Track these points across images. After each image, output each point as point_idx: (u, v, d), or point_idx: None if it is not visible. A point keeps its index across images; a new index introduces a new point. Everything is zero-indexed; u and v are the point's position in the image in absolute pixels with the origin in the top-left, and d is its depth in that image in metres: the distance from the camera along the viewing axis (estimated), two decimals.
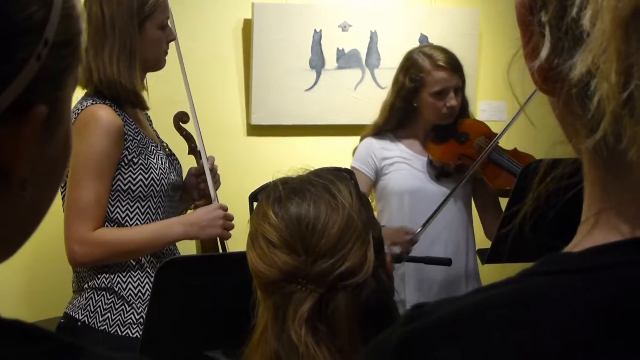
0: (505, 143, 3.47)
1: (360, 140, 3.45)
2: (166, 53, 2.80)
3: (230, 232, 2.78)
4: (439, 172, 3.37)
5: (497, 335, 0.70)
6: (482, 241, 3.52)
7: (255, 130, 4.23)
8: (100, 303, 2.69)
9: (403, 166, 3.37)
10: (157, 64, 2.80)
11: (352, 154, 3.45)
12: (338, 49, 4.27)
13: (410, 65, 3.33)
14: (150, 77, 2.87)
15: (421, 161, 3.39)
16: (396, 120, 3.38)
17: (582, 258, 0.70)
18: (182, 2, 3.82)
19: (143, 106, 2.77)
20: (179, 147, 3.04)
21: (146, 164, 2.71)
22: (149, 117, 2.99)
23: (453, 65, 3.31)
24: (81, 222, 2.61)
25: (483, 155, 3.30)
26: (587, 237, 0.73)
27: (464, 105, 3.38)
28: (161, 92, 3.00)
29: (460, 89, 3.33)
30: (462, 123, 3.42)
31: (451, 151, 3.37)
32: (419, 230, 3.18)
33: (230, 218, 2.76)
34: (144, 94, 2.81)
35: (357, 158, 3.40)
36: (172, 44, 2.85)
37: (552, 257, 0.73)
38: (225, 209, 2.76)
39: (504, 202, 3.47)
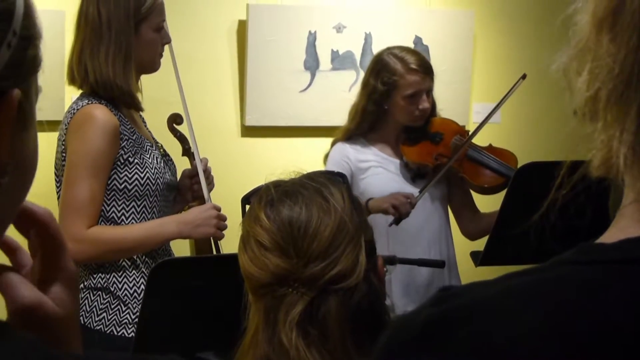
0: (478, 141, 3.46)
1: (332, 145, 3.41)
2: (161, 55, 2.81)
3: (224, 232, 2.77)
4: (415, 174, 3.36)
5: (524, 323, 0.70)
6: (460, 242, 3.51)
7: (250, 131, 4.23)
8: (96, 303, 2.69)
9: (379, 170, 3.35)
10: (152, 66, 2.80)
11: (324, 160, 3.43)
12: (332, 51, 4.27)
13: (381, 68, 3.30)
14: (144, 78, 2.87)
15: (394, 164, 3.37)
16: (368, 124, 3.35)
17: (614, 249, 0.70)
18: (177, 2, 3.82)
19: (138, 107, 2.77)
20: (173, 148, 3.03)
21: (142, 164, 2.71)
22: (143, 118, 2.99)
23: (425, 67, 3.29)
24: (75, 220, 2.62)
25: (460, 150, 3.30)
26: (614, 227, 0.73)
27: (432, 105, 3.37)
28: (155, 93, 3.01)
29: (431, 91, 3.32)
30: (432, 123, 3.41)
31: (427, 152, 3.36)
32: (417, 195, 3.18)
33: (223, 218, 2.76)
34: (138, 95, 2.82)
35: (332, 162, 3.35)
36: (184, 48, 2.85)
37: (585, 246, 0.73)
38: (218, 209, 2.76)
39: (483, 199, 3.47)
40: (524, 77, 3.35)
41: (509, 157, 3.38)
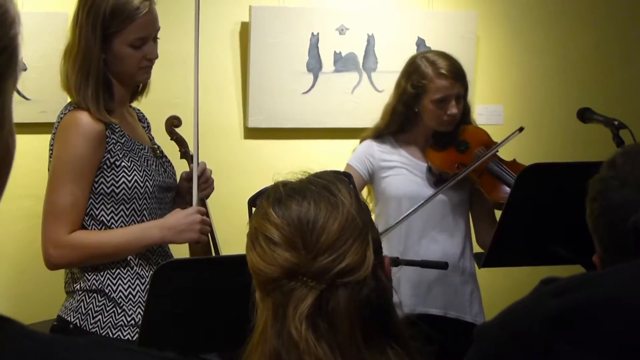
0: (505, 154, 3.46)
1: (361, 141, 3.46)
2: (144, 69, 2.75)
3: (225, 235, 2.77)
4: (437, 179, 3.37)
5: None
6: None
7: (252, 133, 4.23)
8: (91, 305, 2.69)
9: (402, 171, 3.37)
10: (132, 78, 2.77)
11: (352, 154, 3.46)
12: (335, 52, 4.27)
13: (413, 71, 3.34)
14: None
15: (420, 167, 3.39)
16: (397, 125, 3.39)
17: None
18: (180, 5, 3.82)
19: (106, 122, 2.70)
20: (174, 150, 3.03)
21: (129, 167, 2.71)
22: (147, 119, 2.99)
23: (455, 73, 3.31)
24: (57, 225, 2.63)
25: (477, 163, 3.30)
26: None
27: (465, 112, 3.38)
28: (158, 95, 3.01)
29: (462, 97, 3.33)
30: (462, 130, 3.42)
31: (450, 160, 3.37)
32: (388, 229, 3.17)
33: (207, 222, 2.76)
34: (137, 101, 2.84)
35: (355, 157, 3.41)
36: (188, 50, 2.83)
37: None
38: (203, 212, 2.75)
39: (499, 214, 3.47)
40: (520, 129, 3.34)
41: None
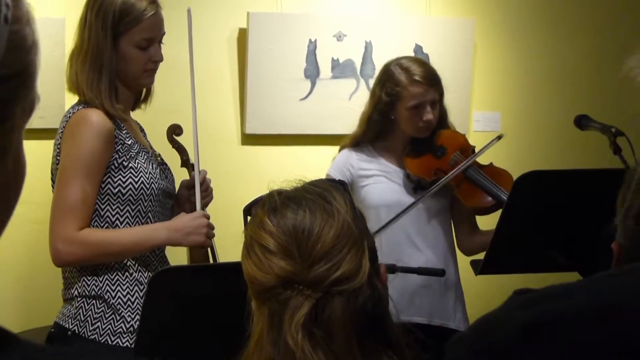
0: (502, 160, 3.46)
1: (339, 150, 3.45)
2: (149, 72, 2.77)
3: (223, 242, 2.77)
4: (415, 186, 3.37)
5: None
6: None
7: (250, 139, 4.23)
8: (90, 312, 2.68)
9: (381, 179, 3.37)
10: (136, 81, 2.78)
11: (332, 162, 3.45)
12: (333, 59, 4.28)
13: (386, 79, 3.33)
14: None
15: (399, 174, 3.38)
16: (374, 133, 3.38)
17: None
18: (177, 11, 3.82)
19: (116, 118, 2.73)
20: (173, 159, 3.03)
21: (136, 168, 2.72)
22: (142, 128, 2.99)
23: (429, 79, 3.29)
24: (67, 221, 2.62)
25: (455, 171, 3.29)
26: None
27: (442, 117, 3.37)
28: (154, 102, 3.01)
29: (437, 102, 3.32)
30: (439, 135, 3.41)
31: (427, 166, 3.37)
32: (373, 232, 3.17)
33: (212, 227, 2.78)
34: (142, 107, 2.85)
35: (334, 167, 3.40)
36: (185, 57, 2.85)
37: None
38: (208, 217, 2.77)
39: (478, 219, 3.47)
40: (499, 137, 3.37)
41: (506, 179, 3.36)
